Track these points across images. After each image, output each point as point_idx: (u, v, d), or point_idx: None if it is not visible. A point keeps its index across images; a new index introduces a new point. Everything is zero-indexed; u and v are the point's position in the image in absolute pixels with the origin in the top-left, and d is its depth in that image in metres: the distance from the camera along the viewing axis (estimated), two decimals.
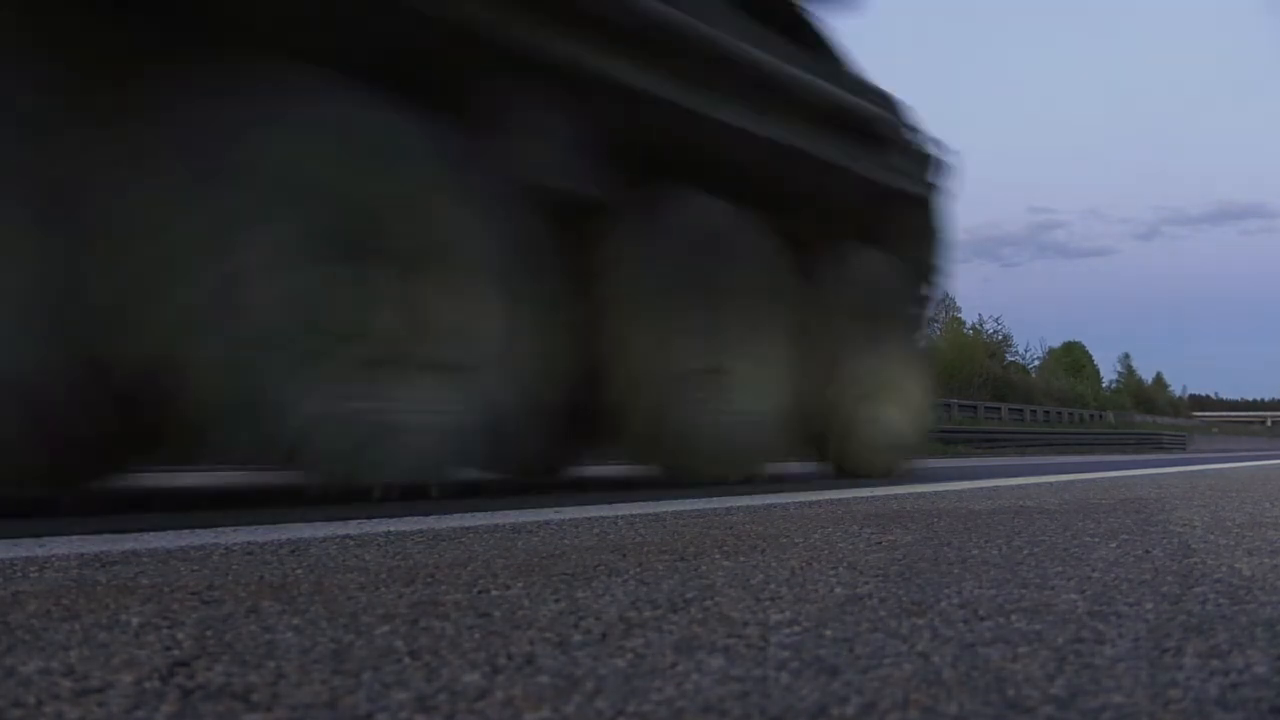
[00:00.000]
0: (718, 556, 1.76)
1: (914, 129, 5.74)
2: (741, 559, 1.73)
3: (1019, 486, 4.25)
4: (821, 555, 1.79)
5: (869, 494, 3.55)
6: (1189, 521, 2.52)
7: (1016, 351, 45.74)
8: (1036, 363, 48.64)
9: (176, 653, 0.98)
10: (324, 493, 3.01)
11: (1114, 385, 56.85)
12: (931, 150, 5.96)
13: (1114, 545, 1.97)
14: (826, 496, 3.42)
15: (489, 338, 3.57)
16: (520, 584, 1.44)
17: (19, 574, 1.49)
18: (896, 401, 5.84)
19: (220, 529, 2.13)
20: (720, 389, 4.64)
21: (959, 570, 1.61)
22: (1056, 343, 54.48)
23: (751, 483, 4.42)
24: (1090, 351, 57.13)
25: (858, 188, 5.28)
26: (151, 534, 2.02)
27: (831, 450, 5.44)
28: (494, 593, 1.36)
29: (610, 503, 2.96)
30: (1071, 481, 4.71)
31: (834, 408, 5.36)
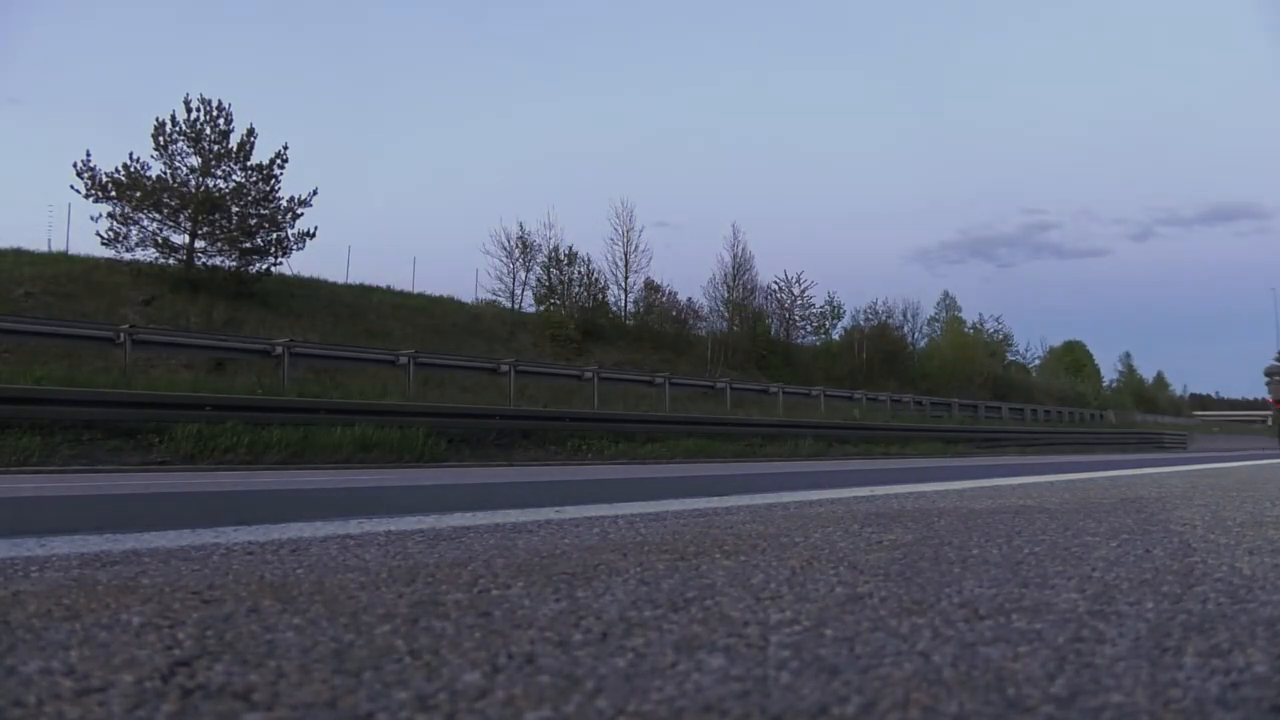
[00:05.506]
0: (718, 556, 1.76)
1: None
2: (742, 558, 1.73)
3: (1019, 486, 4.25)
4: (822, 555, 1.79)
5: (869, 493, 3.55)
6: (1190, 521, 2.52)
7: (1017, 351, 45.67)
8: (1037, 362, 48.59)
9: (177, 652, 0.98)
10: None
11: (1114, 385, 56.72)
12: None
13: (1115, 544, 1.97)
14: (827, 496, 3.42)
15: None
16: (521, 583, 1.44)
17: (20, 574, 1.49)
18: None
19: (220, 529, 2.13)
20: None
21: (959, 570, 1.61)
22: (1057, 342, 54.36)
23: None
24: (1091, 351, 57.08)
25: None
26: (152, 534, 2.02)
27: None
28: (494, 592, 1.36)
29: (611, 502, 2.96)
30: (1072, 481, 4.71)
31: None
